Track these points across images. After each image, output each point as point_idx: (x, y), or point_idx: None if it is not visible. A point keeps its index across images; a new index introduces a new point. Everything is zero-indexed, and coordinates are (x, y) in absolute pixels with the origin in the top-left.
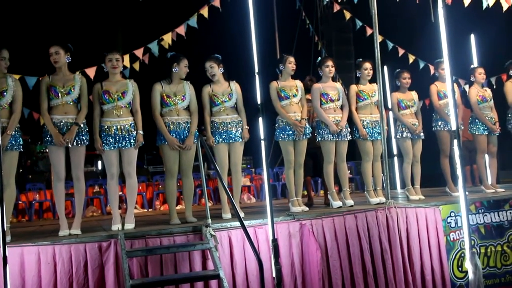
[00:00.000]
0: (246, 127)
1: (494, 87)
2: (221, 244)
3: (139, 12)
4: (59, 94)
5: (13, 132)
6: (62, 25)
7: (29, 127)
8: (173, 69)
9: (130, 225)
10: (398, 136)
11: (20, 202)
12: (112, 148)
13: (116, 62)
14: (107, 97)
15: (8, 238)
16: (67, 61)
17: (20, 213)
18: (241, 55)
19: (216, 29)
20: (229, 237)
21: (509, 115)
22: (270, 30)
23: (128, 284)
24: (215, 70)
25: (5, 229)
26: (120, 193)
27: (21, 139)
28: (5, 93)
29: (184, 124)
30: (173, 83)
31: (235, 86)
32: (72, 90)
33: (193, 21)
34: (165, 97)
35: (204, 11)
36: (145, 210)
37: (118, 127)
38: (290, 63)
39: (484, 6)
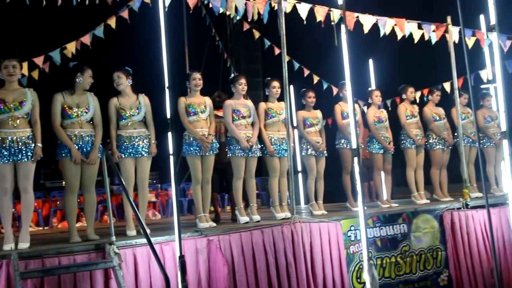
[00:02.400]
0: (154, 142)
1: (390, 109)
2: (126, 262)
3: (40, 19)
4: None
5: None
6: None
7: None
8: (76, 79)
9: (24, 244)
10: (303, 153)
11: None
12: (6, 161)
13: (13, 69)
14: (2, 107)
15: None
16: None
17: None
18: (150, 69)
19: (124, 41)
20: (134, 255)
21: (402, 136)
22: (180, 45)
23: None
24: (123, 81)
25: None
26: (13, 210)
27: None
28: None
29: (87, 138)
30: (76, 94)
31: (143, 100)
32: None
33: (99, 31)
34: (67, 108)
35: (112, 22)
36: (41, 228)
37: (14, 138)
38: (195, 79)
39: (382, 33)
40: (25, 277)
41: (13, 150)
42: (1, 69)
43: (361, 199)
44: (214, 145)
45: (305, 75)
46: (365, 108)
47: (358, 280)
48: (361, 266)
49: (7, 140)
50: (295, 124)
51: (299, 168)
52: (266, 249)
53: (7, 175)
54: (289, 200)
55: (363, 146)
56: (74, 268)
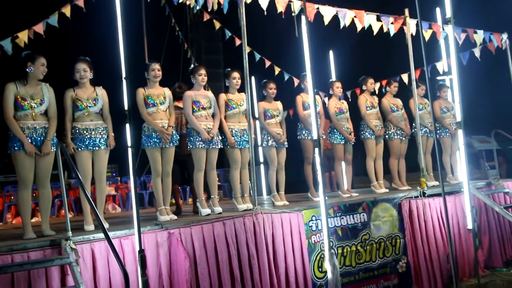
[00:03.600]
0: (112, 134)
1: (350, 100)
2: (83, 258)
3: None
4: None
5: None
6: None
7: None
8: (27, 69)
9: None
10: (264, 145)
11: None
12: None
13: None
14: None
15: None
16: None
17: None
18: (107, 59)
19: (80, 30)
20: (92, 250)
21: (362, 126)
22: (139, 35)
23: None
24: (88, 74)
25: None
26: None
27: None
28: None
29: (41, 130)
30: (29, 84)
31: (101, 92)
32: None
33: (53, 20)
34: (20, 99)
35: (67, 10)
36: None
37: None
38: (154, 70)
39: (341, 25)
40: None
41: None
42: None
43: (322, 189)
44: (175, 137)
45: (266, 66)
46: (326, 99)
47: (320, 269)
48: (322, 256)
49: None
50: (256, 115)
51: (261, 159)
52: (228, 241)
53: None
54: (251, 192)
55: (324, 137)
56: (28, 265)
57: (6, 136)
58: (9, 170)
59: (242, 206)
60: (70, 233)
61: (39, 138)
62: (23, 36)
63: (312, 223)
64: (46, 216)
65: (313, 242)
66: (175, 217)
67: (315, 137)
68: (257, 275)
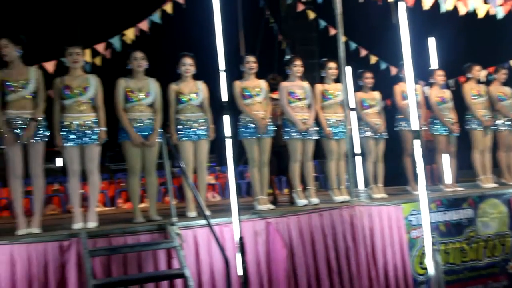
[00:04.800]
0: (212, 125)
1: (453, 88)
2: (187, 242)
3: (100, 6)
4: (14, 89)
5: None
6: (19, 16)
7: None
8: (129, 66)
9: (92, 224)
10: (361, 135)
11: None
12: (74, 144)
13: (77, 56)
14: (68, 92)
15: None
16: (18, 54)
17: None
18: (205, 53)
19: (180, 26)
20: (194, 236)
21: (468, 116)
22: (235, 28)
23: (91, 284)
24: (192, 69)
25: None
26: (81, 190)
27: None
28: None
29: (147, 121)
30: (137, 78)
31: (202, 86)
32: (27, 84)
33: (156, 17)
34: (128, 92)
35: (168, 7)
36: (107, 208)
37: (80, 123)
38: (249, 63)
39: (443, 10)
40: (94, 255)
41: (79, 133)
42: (66, 56)
43: (422, 182)
44: (271, 127)
45: (362, 55)
46: (426, 88)
47: (421, 265)
48: (423, 252)
49: (74, 125)
50: (352, 106)
51: (358, 150)
52: (325, 232)
53: (74, 157)
54: (347, 183)
55: (425, 128)
56: (138, 247)
57: (117, 127)
58: (119, 158)
59: (339, 198)
60: (175, 219)
61: (146, 129)
62: (129, 34)
63: (412, 217)
64: (153, 202)
65: (413, 237)
66: (273, 206)
67: (414, 128)
68: (354, 268)
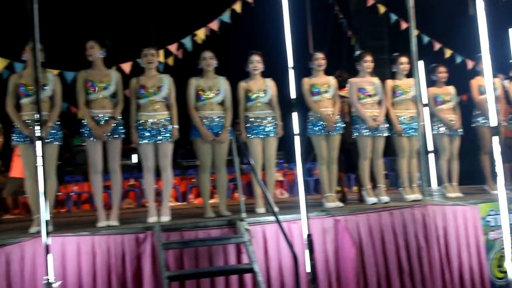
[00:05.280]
0: (280, 122)
1: None
2: (255, 238)
3: (172, 7)
4: (96, 89)
5: (53, 125)
6: (99, 20)
7: (67, 121)
8: (199, 66)
9: (166, 218)
10: (434, 132)
11: (59, 193)
12: (148, 141)
13: (151, 57)
14: (143, 92)
15: (50, 228)
16: (101, 56)
17: (59, 204)
18: (274, 50)
19: (249, 24)
20: (263, 232)
21: None
22: (303, 25)
23: (165, 275)
24: (260, 66)
25: (48, 219)
26: (155, 186)
27: (60, 132)
28: (45, 88)
29: (217, 119)
30: (207, 77)
31: (270, 83)
32: (109, 85)
33: (226, 16)
34: (199, 91)
35: (237, 6)
36: (179, 203)
37: (154, 121)
38: (317, 60)
39: None
40: (167, 248)
41: (153, 131)
42: (141, 57)
43: (501, 181)
44: (340, 124)
45: (436, 49)
46: (505, 82)
47: (500, 268)
48: (502, 254)
49: (148, 123)
50: (425, 102)
51: (431, 147)
52: (396, 231)
53: (149, 154)
54: (419, 181)
55: (504, 124)
56: (209, 241)
57: (189, 125)
58: (190, 155)
59: (410, 196)
60: (244, 214)
61: (216, 126)
62: (200, 34)
63: (490, 218)
64: (223, 198)
65: (491, 238)
66: (341, 204)
67: (493, 124)
68: (426, 269)
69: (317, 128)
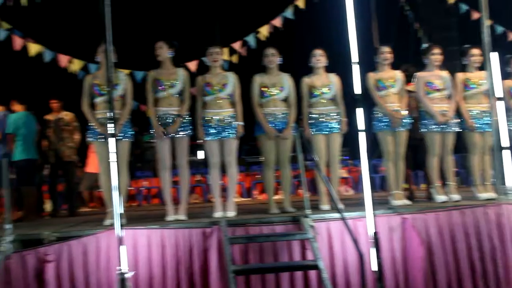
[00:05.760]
0: (344, 119)
1: None
2: (320, 235)
3: (236, 5)
4: (164, 87)
5: (125, 123)
6: (166, 21)
7: (137, 118)
8: (262, 64)
9: (232, 213)
10: (510, 127)
11: (130, 188)
12: (213, 138)
13: (216, 56)
14: (209, 89)
15: (123, 221)
16: (169, 55)
17: (131, 199)
18: (338, 45)
19: (313, 20)
20: (327, 229)
21: None
22: (368, 18)
23: (231, 269)
24: (323, 60)
25: (121, 212)
26: (221, 182)
27: (131, 130)
28: (117, 87)
29: (281, 116)
30: (271, 74)
31: (334, 79)
32: (176, 83)
33: (288, 13)
34: (263, 88)
35: (300, 2)
36: (244, 198)
37: (219, 118)
38: (383, 54)
39: None
40: (233, 242)
41: (219, 128)
42: (207, 56)
43: None
44: (407, 120)
45: (510, 39)
46: None
47: None
48: None
49: (214, 120)
50: (499, 95)
51: (506, 144)
52: (468, 231)
53: (214, 150)
54: (493, 179)
55: None
56: (274, 237)
57: (253, 121)
58: (255, 152)
59: (483, 195)
60: (308, 211)
61: (280, 123)
62: (263, 31)
63: None
64: (287, 194)
65: None
66: (409, 202)
67: None
68: (502, 271)
69: (383, 124)
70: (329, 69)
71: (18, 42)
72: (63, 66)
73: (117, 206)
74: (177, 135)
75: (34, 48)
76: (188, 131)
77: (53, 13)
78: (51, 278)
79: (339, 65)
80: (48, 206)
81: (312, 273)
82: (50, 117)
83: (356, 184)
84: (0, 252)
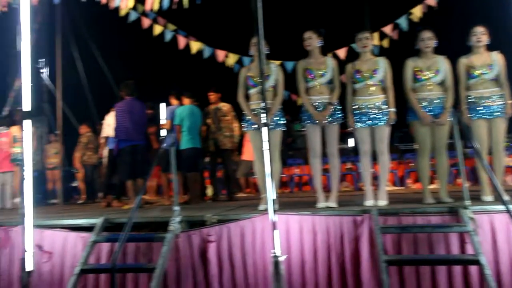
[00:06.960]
0: (509, 101)
1: None
2: (482, 228)
3: None
4: (315, 76)
5: (276, 113)
6: (314, 9)
7: (288, 108)
8: (417, 46)
9: (383, 202)
10: None
11: (283, 175)
12: (364, 125)
13: (366, 41)
14: (359, 76)
15: (276, 206)
16: (319, 45)
17: (283, 185)
18: (500, 23)
19: None
20: (491, 222)
21: None
22: None
23: (383, 259)
24: (485, 38)
25: (274, 198)
26: (372, 170)
27: (283, 119)
28: (268, 78)
29: (437, 100)
30: (425, 57)
31: (497, 57)
32: (326, 72)
33: None
34: (417, 72)
35: None
36: (397, 187)
37: (370, 105)
38: None
39: None
40: (385, 232)
41: (369, 115)
42: (356, 42)
43: None
44: None
45: None
46: None
47: None
48: None
49: (364, 107)
50: None
51: None
52: None
53: (365, 138)
54: None
55: None
56: (429, 228)
57: (405, 107)
58: (408, 138)
59: None
60: (468, 202)
61: (435, 108)
62: (416, 12)
63: None
64: (444, 183)
65: None
66: None
67: None
68: None
69: None
70: (491, 47)
71: (182, 41)
72: (220, 60)
73: (271, 192)
74: (328, 123)
75: (195, 46)
76: (339, 119)
77: (210, 12)
78: (213, 257)
79: (501, 43)
80: (209, 191)
81: (473, 269)
82: (209, 108)
83: None
84: (170, 231)
